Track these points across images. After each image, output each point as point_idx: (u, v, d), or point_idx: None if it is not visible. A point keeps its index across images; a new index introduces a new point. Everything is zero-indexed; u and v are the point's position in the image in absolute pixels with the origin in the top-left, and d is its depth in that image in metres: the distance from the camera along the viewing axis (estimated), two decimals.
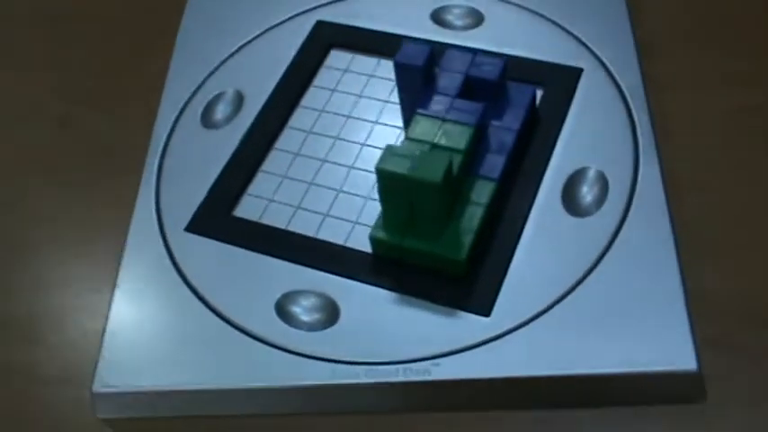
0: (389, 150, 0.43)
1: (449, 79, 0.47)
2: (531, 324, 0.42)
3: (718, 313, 0.43)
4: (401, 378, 0.41)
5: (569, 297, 0.43)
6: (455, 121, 0.46)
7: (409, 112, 0.49)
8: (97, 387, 0.43)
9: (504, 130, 0.47)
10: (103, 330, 0.44)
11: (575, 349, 0.41)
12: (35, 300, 0.48)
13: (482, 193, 0.45)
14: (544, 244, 0.44)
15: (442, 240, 0.44)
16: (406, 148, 0.44)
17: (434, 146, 0.45)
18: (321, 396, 0.42)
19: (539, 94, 0.50)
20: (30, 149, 0.54)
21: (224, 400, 0.42)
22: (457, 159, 0.44)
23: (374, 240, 0.44)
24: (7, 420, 0.44)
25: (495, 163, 0.46)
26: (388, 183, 0.43)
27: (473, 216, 0.44)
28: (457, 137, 0.45)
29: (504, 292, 0.43)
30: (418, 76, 0.47)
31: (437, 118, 0.46)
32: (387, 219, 0.44)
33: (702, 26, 0.54)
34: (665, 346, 0.41)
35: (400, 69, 0.47)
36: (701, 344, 0.41)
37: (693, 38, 0.53)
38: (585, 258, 0.44)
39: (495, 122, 0.47)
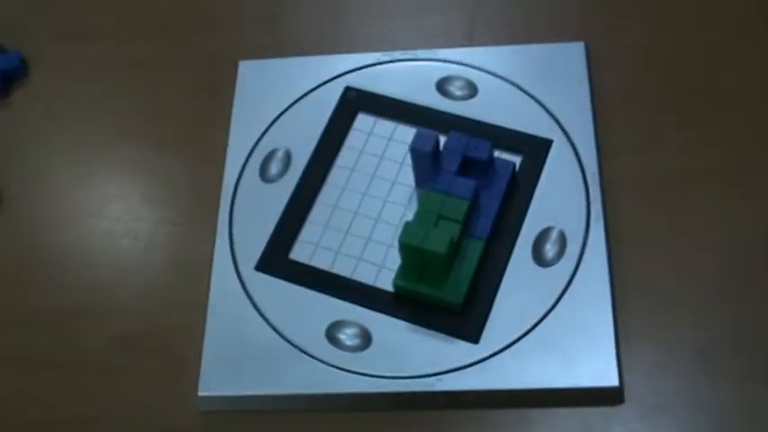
0: (407, 226, 0.60)
1: (450, 158, 0.63)
2: (508, 350, 0.60)
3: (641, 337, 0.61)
4: (414, 389, 0.59)
5: (535, 329, 0.60)
6: (455, 196, 0.62)
7: (419, 178, 0.65)
8: (202, 391, 0.60)
9: (491, 197, 0.64)
10: (201, 348, 0.62)
11: (536, 369, 0.59)
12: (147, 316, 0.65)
13: (474, 250, 0.62)
14: (518, 288, 0.62)
15: (445, 287, 0.61)
16: (419, 221, 0.60)
17: (440, 216, 0.61)
18: (358, 400, 0.60)
19: (518, 160, 0.66)
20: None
21: (288, 401, 0.60)
22: (456, 229, 0.61)
23: (396, 286, 0.62)
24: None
25: (483, 225, 0.63)
26: (408, 250, 0.60)
27: (468, 269, 0.61)
28: (456, 209, 0.61)
29: (489, 325, 0.60)
30: (428, 157, 0.63)
31: (441, 192, 0.62)
32: (405, 271, 0.61)
33: (655, 95, 0.69)
34: (599, 367, 0.58)
35: (414, 152, 0.63)
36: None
37: (646, 105, 0.69)
38: (548, 299, 0.61)
39: (483, 191, 0.64)
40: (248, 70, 0.73)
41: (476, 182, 0.63)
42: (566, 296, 0.61)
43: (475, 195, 0.63)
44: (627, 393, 0.58)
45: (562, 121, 0.67)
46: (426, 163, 0.64)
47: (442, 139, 0.67)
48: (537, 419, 0.59)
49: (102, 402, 0.62)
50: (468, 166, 0.64)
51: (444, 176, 0.63)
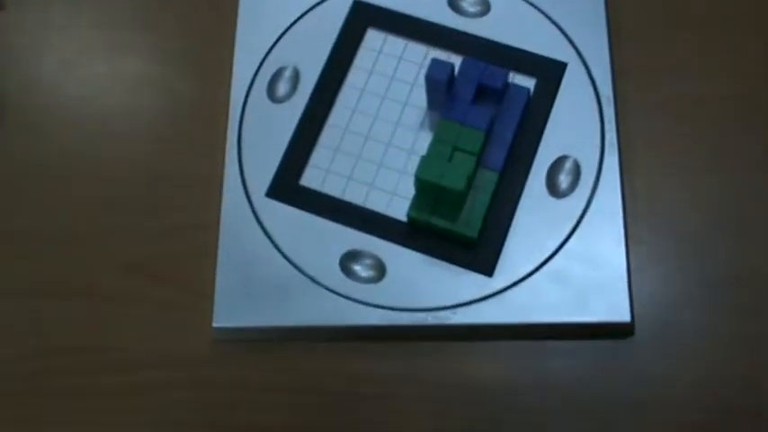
0: (423, 159, 0.59)
1: (465, 86, 0.62)
2: (522, 283, 0.60)
3: (652, 271, 0.61)
4: (430, 322, 0.60)
5: (549, 263, 0.61)
6: (470, 126, 0.61)
7: (433, 103, 0.64)
8: (216, 323, 0.61)
9: (506, 126, 0.63)
10: (214, 276, 0.62)
11: (549, 302, 0.60)
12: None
13: (488, 182, 0.61)
14: (532, 220, 0.62)
15: (459, 221, 0.61)
16: (434, 153, 0.60)
17: (455, 148, 0.60)
18: (373, 332, 0.60)
19: (531, 83, 0.65)
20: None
21: (304, 333, 0.61)
22: (472, 161, 0.60)
23: (410, 217, 0.61)
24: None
25: (497, 156, 0.62)
26: (424, 185, 0.59)
27: (482, 202, 0.61)
28: (472, 140, 0.61)
29: (503, 257, 0.61)
30: (443, 85, 0.62)
31: (456, 122, 0.61)
32: (419, 203, 0.61)
33: (675, 13, 0.67)
34: (611, 302, 0.59)
35: (429, 81, 0.62)
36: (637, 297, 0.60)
37: (663, 25, 0.67)
38: (562, 231, 0.61)
39: (498, 119, 0.63)
40: None
41: (491, 112, 0.62)
42: (579, 229, 0.61)
43: (490, 125, 0.62)
44: (637, 325, 0.60)
45: (577, 41, 0.66)
46: (441, 91, 0.62)
47: (457, 63, 0.65)
48: (550, 350, 0.60)
49: (114, 331, 0.62)
50: (483, 93, 0.63)
51: (459, 105, 0.62)
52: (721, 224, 0.62)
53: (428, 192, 0.60)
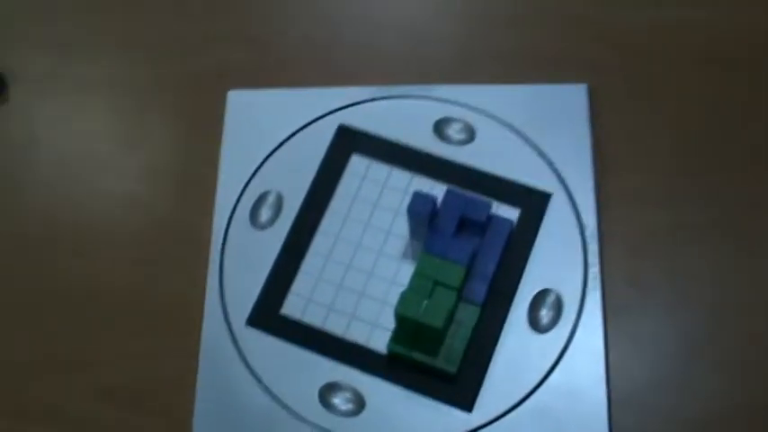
0: (403, 296, 0.59)
1: (447, 219, 0.62)
2: (502, 419, 0.60)
3: (634, 409, 0.61)
4: None
5: (529, 399, 0.60)
6: (452, 260, 0.61)
7: (415, 233, 0.64)
8: None
9: (487, 260, 0.62)
10: (192, 405, 0.61)
11: None
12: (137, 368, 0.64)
13: (470, 316, 0.61)
14: (513, 354, 0.61)
15: (439, 356, 0.60)
16: (415, 288, 0.59)
17: (436, 282, 0.60)
18: None
19: (515, 213, 0.65)
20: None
21: None
22: (452, 296, 0.60)
23: (390, 351, 0.61)
24: None
25: (479, 289, 0.62)
26: (404, 320, 0.59)
27: (463, 336, 0.61)
28: (453, 275, 0.60)
29: (483, 392, 0.60)
30: (424, 220, 0.62)
31: (437, 256, 0.61)
32: (399, 336, 0.61)
33: (659, 142, 0.68)
34: None
35: (411, 213, 0.62)
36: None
37: (647, 156, 0.67)
38: (543, 367, 0.61)
39: (479, 252, 0.62)
40: (237, 101, 0.70)
41: (472, 246, 0.62)
42: (560, 364, 0.61)
43: (472, 259, 0.62)
44: None
45: (562, 172, 0.66)
46: (423, 223, 0.62)
47: (440, 192, 0.65)
48: None
49: None
50: (466, 225, 0.63)
51: (441, 238, 0.61)
52: (704, 358, 0.61)
53: (408, 326, 0.60)
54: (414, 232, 0.64)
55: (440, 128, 0.68)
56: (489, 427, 0.60)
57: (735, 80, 0.69)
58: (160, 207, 0.68)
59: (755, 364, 0.61)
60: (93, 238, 0.68)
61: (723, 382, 0.61)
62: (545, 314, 0.62)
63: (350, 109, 0.69)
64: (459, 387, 0.60)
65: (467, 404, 0.60)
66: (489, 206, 0.63)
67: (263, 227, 0.66)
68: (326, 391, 0.61)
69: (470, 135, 0.68)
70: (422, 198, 0.62)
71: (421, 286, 0.60)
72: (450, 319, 0.60)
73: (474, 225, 0.63)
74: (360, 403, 0.61)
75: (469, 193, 0.65)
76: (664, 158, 0.67)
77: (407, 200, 0.66)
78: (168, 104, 0.72)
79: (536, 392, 0.60)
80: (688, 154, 0.67)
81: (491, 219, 0.63)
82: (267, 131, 0.69)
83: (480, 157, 0.67)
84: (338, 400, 0.61)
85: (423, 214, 0.61)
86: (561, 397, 0.60)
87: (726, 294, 0.63)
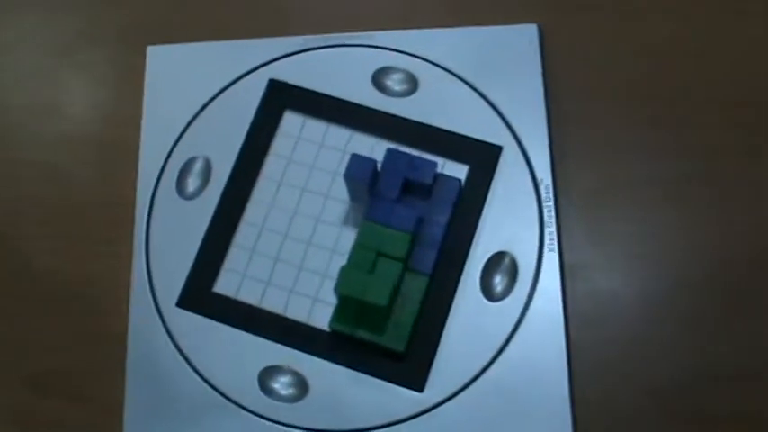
0: (344, 272, 0.54)
1: (389, 182, 0.57)
2: (455, 398, 0.55)
3: (596, 376, 0.57)
4: None
5: (484, 374, 0.56)
6: (396, 228, 0.56)
7: (355, 196, 0.59)
8: None
9: (435, 224, 0.57)
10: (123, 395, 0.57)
11: (485, 419, 0.55)
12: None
13: (417, 287, 0.56)
14: (465, 327, 0.57)
15: (386, 333, 0.56)
16: (356, 262, 0.54)
17: (379, 253, 0.55)
18: None
19: (464, 170, 0.60)
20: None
21: None
22: (397, 268, 0.55)
23: (333, 329, 0.56)
24: None
25: (427, 258, 0.57)
26: (344, 301, 0.54)
27: (410, 311, 0.56)
28: (398, 245, 0.55)
29: (434, 370, 0.56)
30: (364, 185, 0.56)
31: (380, 224, 0.56)
32: (342, 313, 0.56)
33: (617, 86, 0.62)
34: (552, 417, 0.54)
35: (349, 180, 0.56)
36: (580, 406, 0.55)
37: (606, 104, 0.62)
38: (498, 339, 0.56)
39: (425, 217, 0.57)
40: (158, 58, 0.64)
41: (418, 211, 0.56)
42: (517, 335, 0.56)
43: (417, 228, 0.57)
44: None
45: (512, 122, 0.61)
46: (363, 188, 0.57)
47: (381, 150, 0.60)
48: None
49: None
50: (410, 188, 0.58)
51: (383, 205, 0.56)
52: (670, 322, 0.57)
53: (351, 304, 0.55)
54: (354, 197, 0.59)
55: (379, 79, 0.62)
56: (443, 407, 0.55)
57: (698, 24, 0.63)
58: (79, 178, 0.62)
59: (723, 323, 0.57)
60: (4, 216, 0.62)
61: (690, 345, 0.57)
62: (499, 281, 0.57)
63: (280, 62, 0.63)
64: (409, 365, 0.56)
65: (417, 383, 0.56)
66: (435, 166, 0.57)
67: (190, 197, 0.61)
68: (266, 375, 0.56)
69: (412, 85, 0.62)
70: (360, 161, 0.56)
71: (363, 259, 0.55)
72: (396, 291, 0.56)
73: (419, 187, 0.57)
74: (303, 387, 0.56)
75: (413, 152, 0.60)
76: (624, 107, 0.61)
77: (347, 159, 0.60)
78: (84, 64, 0.65)
79: (492, 366, 0.56)
80: (650, 102, 0.61)
81: (437, 179, 0.58)
82: (191, 90, 0.63)
83: (424, 109, 0.61)
84: (279, 385, 0.56)
85: (362, 180, 0.56)
86: (519, 370, 0.56)
87: (693, 251, 0.58)
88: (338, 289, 0.54)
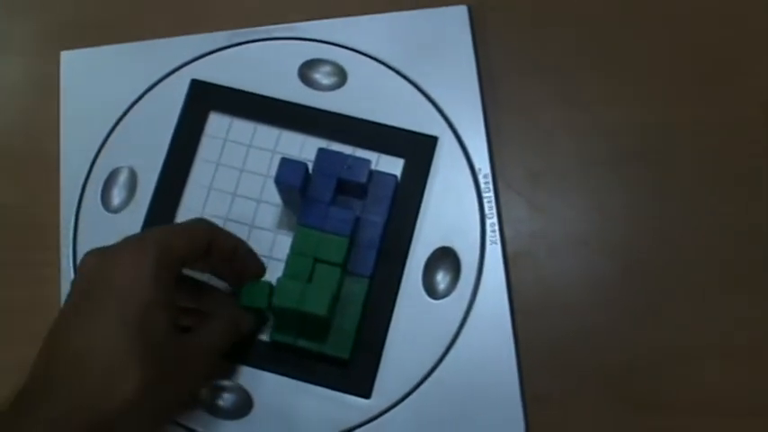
0: (280, 284, 0.52)
1: (322, 185, 0.54)
2: (404, 402, 0.54)
3: (546, 368, 0.55)
4: None
5: (432, 376, 0.54)
6: (331, 233, 0.54)
7: (288, 202, 0.57)
8: None
9: (372, 224, 0.55)
10: None
11: (438, 422, 0.53)
12: None
13: (358, 291, 0.54)
14: (410, 328, 0.55)
15: (328, 341, 0.54)
16: (292, 271, 0.53)
17: (317, 260, 0.53)
18: None
19: (399, 164, 0.58)
20: None
21: None
22: (336, 274, 0.53)
23: (274, 340, 0.54)
24: None
25: (366, 260, 0.55)
26: (282, 312, 0.52)
27: (353, 316, 0.54)
28: (335, 249, 0.53)
29: (380, 375, 0.54)
30: (296, 190, 0.54)
31: (316, 229, 0.54)
32: (282, 323, 0.54)
33: (546, 75, 0.60)
34: (503, 417, 0.53)
35: (280, 186, 0.54)
36: (532, 401, 0.54)
37: (542, 85, 0.60)
38: (444, 338, 0.55)
39: (362, 217, 0.55)
40: (73, 63, 0.61)
41: (354, 212, 0.54)
42: (463, 333, 0.55)
43: (354, 228, 0.55)
44: None
45: (447, 110, 0.58)
46: (295, 194, 0.55)
47: (312, 147, 0.57)
48: None
49: None
50: (344, 187, 0.55)
51: (316, 209, 0.54)
52: (618, 307, 0.56)
53: (290, 315, 0.53)
54: (287, 202, 0.57)
55: (306, 73, 0.60)
56: (391, 412, 0.54)
57: None
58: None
59: (670, 307, 0.56)
60: None
61: (638, 329, 0.56)
62: (442, 278, 0.56)
63: (202, 60, 0.60)
64: (354, 372, 0.54)
65: (364, 390, 0.54)
66: (369, 164, 0.55)
67: (117, 210, 0.58)
68: (209, 393, 0.55)
69: (341, 78, 0.60)
70: (290, 166, 0.54)
71: (299, 267, 0.53)
72: (336, 297, 0.54)
73: (354, 187, 0.55)
74: (246, 402, 0.54)
75: (345, 148, 0.58)
76: (561, 87, 0.60)
77: (277, 160, 0.57)
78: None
79: (439, 367, 0.54)
80: (586, 81, 0.60)
81: (372, 176, 0.56)
82: (110, 96, 0.60)
83: (354, 102, 0.59)
84: (222, 401, 0.54)
85: (293, 185, 0.54)
86: (467, 369, 0.54)
87: (636, 234, 0.57)
88: (275, 301, 0.52)
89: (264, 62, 0.60)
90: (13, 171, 0.60)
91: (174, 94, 0.60)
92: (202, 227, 0.52)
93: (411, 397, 0.54)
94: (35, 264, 0.58)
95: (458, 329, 0.55)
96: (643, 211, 0.57)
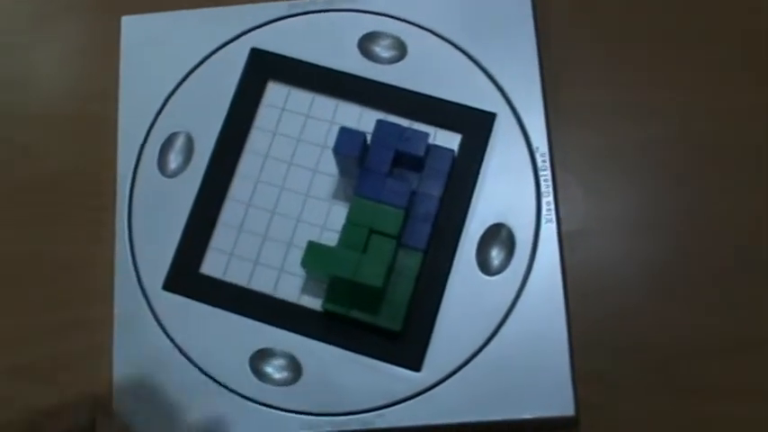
0: (336, 252, 0.52)
1: (380, 156, 0.54)
2: (454, 377, 0.54)
3: (598, 348, 0.55)
4: (353, 427, 0.53)
5: (483, 352, 0.54)
6: (388, 204, 0.54)
7: (344, 171, 0.57)
8: None
9: (428, 197, 0.55)
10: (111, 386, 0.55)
11: (485, 398, 0.53)
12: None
13: (411, 264, 0.54)
14: (462, 303, 0.55)
15: (381, 312, 0.54)
16: (347, 240, 0.53)
17: (372, 230, 0.53)
18: None
19: (456, 139, 0.57)
20: None
21: None
22: (391, 246, 0.53)
23: (326, 309, 0.54)
24: None
25: (421, 233, 0.55)
26: (336, 282, 0.52)
27: (405, 288, 0.54)
28: (390, 221, 0.53)
29: (431, 349, 0.54)
30: (353, 160, 0.54)
31: (372, 200, 0.54)
32: (334, 293, 0.54)
33: (609, 55, 0.60)
34: (553, 394, 0.53)
35: (338, 155, 0.54)
36: (582, 380, 0.54)
37: (600, 66, 0.60)
38: (496, 315, 0.54)
39: (418, 190, 0.55)
40: (133, 28, 0.61)
41: (410, 184, 0.54)
42: (515, 310, 0.54)
43: (410, 200, 0.54)
44: (583, 415, 0.54)
45: (506, 87, 0.58)
46: (352, 163, 0.55)
47: (371, 121, 0.57)
48: None
49: None
50: (402, 160, 0.55)
51: (373, 180, 0.54)
52: (673, 292, 0.56)
53: (343, 284, 0.53)
54: (343, 171, 0.57)
55: (366, 45, 0.60)
56: (441, 387, 0.54)
57: None
58: (55, 158, 0.60)
59: (726, 294, 0.55)
60: None
61: (693, 314, 0.55)
62: (496, 254, 0.56)
63: (262, 29, 0.60)
64: (406, 344, 0.54)
65: (415, 363, 0.54)
66: (427, 137, 0.55)
67: (173, 174, 0.58)
68: (258, 359, 0.55)
69: (401, 52, 0.59)
70: (349, 135, 0.54)
71: (354, 237, 0.53)
72: (390, 269, 0.54)
73: (411, 160, 0.55)
74: (296, 370, 0.54)
75: (403, 121, 0.57)
76: (623, 66, 0.59)
77: (334, 131, 0.58)
78: (57, 37, 0.63)
79: (490, 343, 0.54)
80: (648, 63, 0.59)
81: (430, 150, 0.56)
82: (170, 62, 0.60)
83: (413, 76, 0.59)
84: (272, 368, 0.55)
85: (351, 154, 0.54)
86: (518, 345, 0.54)
87: (696, 217, 0.56)
88: (331, 270, 0.52)
89: (324, 33, 0.60)
90: (71, 134, 0.61)
91: (234, 63, 0.60)
92: None
93: (461, 372, 0.54)
94: (91, 224, 0.58)
95: (510, 306, 0.55)
96: (699, 196, 0.57)
